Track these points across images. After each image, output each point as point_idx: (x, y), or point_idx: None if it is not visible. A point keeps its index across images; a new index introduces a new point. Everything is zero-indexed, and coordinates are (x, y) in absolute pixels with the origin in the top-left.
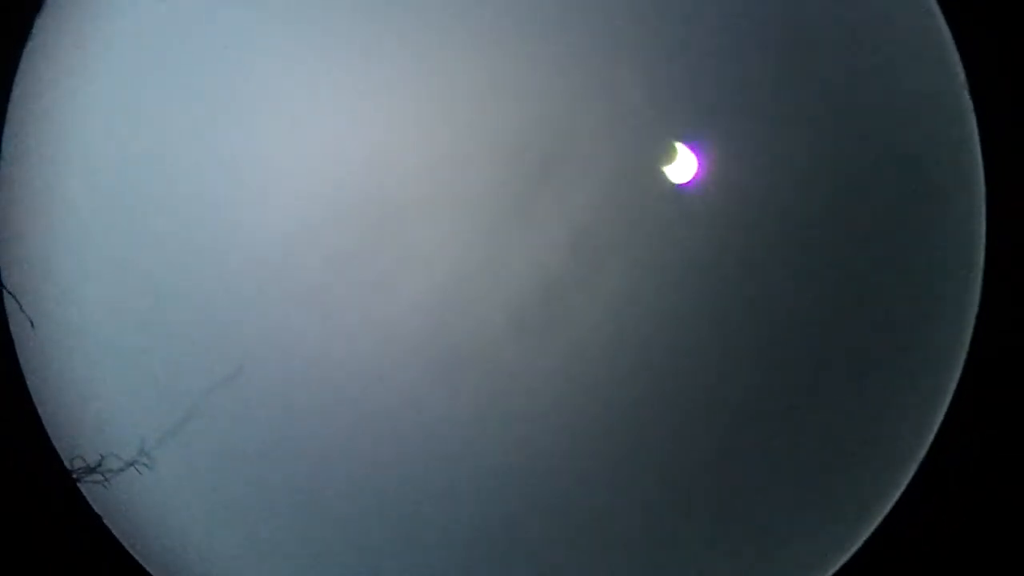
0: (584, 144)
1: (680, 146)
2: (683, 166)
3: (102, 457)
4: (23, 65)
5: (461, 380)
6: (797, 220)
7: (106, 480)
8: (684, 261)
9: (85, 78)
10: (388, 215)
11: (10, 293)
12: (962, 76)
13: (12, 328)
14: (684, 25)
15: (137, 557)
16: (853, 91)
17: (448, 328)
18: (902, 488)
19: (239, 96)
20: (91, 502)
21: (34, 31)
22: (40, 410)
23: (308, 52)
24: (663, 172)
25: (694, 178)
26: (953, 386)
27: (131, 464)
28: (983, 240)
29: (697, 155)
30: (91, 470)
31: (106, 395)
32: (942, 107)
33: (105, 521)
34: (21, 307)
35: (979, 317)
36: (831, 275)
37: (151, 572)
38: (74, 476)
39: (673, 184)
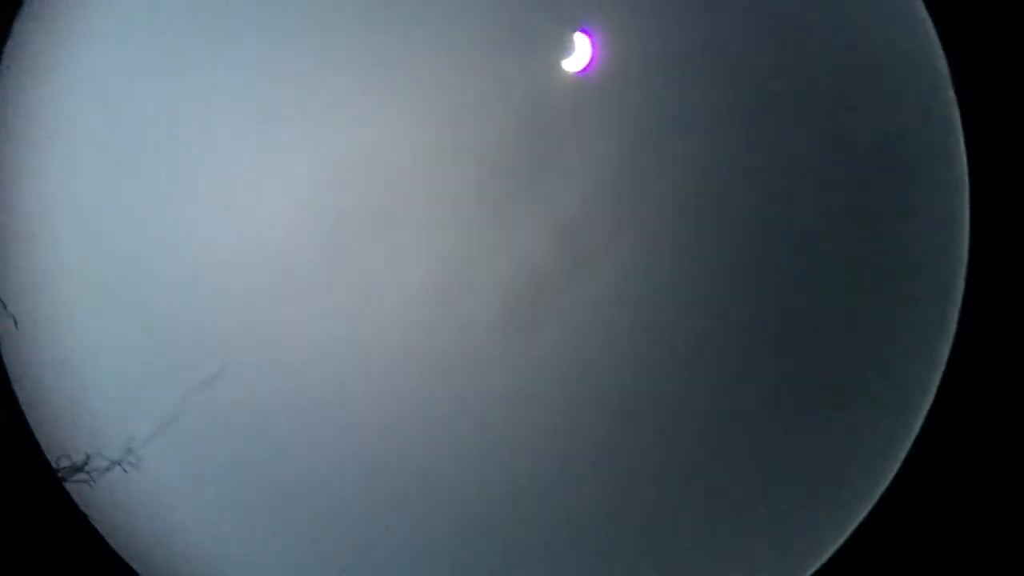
0: (572, 142)
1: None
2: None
3: (88, 456)
4: (5, 64)
5: (451, 377)
6: (787, 219)
7: (92, 479)
8: (673, 256)
9: (70, 80)
10: (374, 215)
11: None
12: (946, 71)
13: None
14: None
15: (123, 556)
16: (836, 86)
17: (437, 325)
18: (882, 488)
19: (225, 95)
20: (77, 501)
21: (14, 30)
22: (25, 409)
23: (294, 49)
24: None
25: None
26: (937, 377)
27: (117, 463)
28: (967, 233)
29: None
30: (77, 469)
31: (92, 394)
32: (925, 102)
33: (91, 520)
34: (5, 306)
35: (963, 311)
36: (825, 271)
37: (137, 571)
38: (60, 475)
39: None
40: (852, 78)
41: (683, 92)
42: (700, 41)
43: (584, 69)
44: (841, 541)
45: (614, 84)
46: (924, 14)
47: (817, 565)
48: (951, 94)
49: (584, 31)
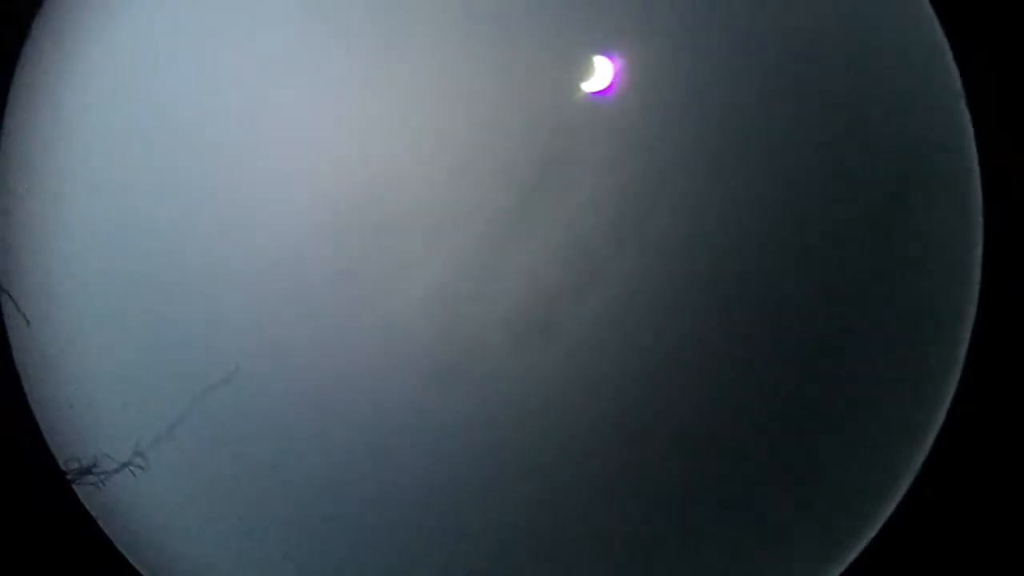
0: (582, 152)
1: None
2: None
3: (96, 458)
4: (22, 63)
5: (459, 387)
6: (793, 228)
7: (101, 481)
8: (683, 268)
9: (83, 79)
10: (384, 223)
11: (5, 291)
12: (958, 85)
13: (7, 327)
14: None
15: (131, 559)
16: (845, 96)
17: (446, 334)
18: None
19: (236, 105)
20: (85, 503)
21: (33, 29)
22: (35, 410)
23: (305, 60)
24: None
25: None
26: (951, 391)
27: (126, 465)
28: (980, 246)
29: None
30: (86, 471)
31: (101, 395)
32: (937, 117)
33: (99, 522)
34: (17, 306)
35: (977, 320)
36: (828, 279)
37: (145, 574)
38: (68, 477)
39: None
40: (870, 102)
41: (698, 113)
42: (719, 66)
43: (603, 92)
44: (861, 547)
45: (630, 104)
46: (941, 36)
47: (839, 571)
48: (965, 111)
49: (607, 55)
